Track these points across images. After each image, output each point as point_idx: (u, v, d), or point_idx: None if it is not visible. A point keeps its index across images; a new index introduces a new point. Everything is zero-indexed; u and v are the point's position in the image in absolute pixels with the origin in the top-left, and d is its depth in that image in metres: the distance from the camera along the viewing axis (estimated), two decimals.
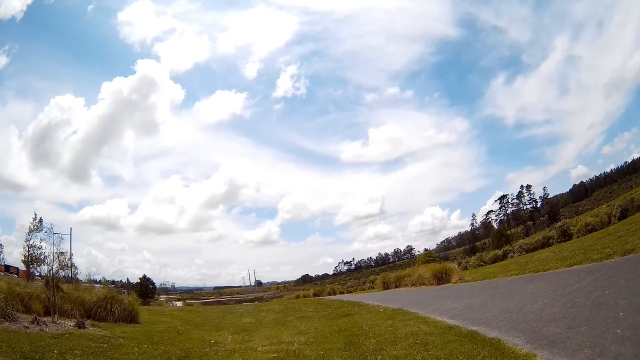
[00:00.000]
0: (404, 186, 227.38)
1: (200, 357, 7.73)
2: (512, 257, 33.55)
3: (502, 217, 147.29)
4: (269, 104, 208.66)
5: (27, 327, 9.02)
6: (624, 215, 28.20)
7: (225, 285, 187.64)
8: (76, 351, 7.27)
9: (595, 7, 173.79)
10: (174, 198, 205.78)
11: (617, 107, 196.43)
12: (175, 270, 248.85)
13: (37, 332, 8.68)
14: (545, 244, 32.64)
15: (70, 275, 15.07)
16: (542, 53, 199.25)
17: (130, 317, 12.53)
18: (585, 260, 12.26)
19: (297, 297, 40.74)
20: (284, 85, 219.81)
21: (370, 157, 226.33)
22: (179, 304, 62.81)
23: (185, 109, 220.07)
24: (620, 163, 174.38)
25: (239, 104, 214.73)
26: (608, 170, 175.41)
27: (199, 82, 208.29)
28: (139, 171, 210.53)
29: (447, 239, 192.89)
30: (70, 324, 10.18)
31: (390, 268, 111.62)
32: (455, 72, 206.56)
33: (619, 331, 5.12)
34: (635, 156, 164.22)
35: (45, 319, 10.14)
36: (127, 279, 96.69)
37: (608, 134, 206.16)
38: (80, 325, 9.97)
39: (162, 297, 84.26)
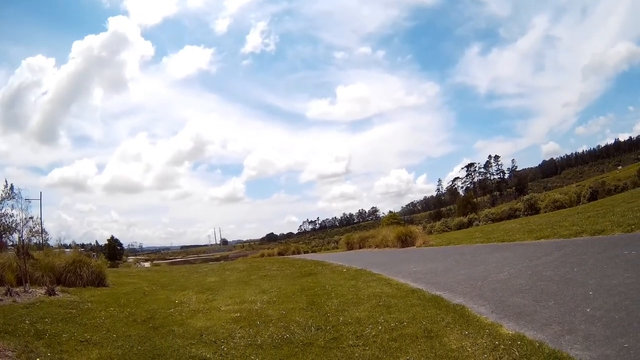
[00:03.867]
0: (371, 147, 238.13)
1: (164, 317, 7.87)
2: (477, 225, 34.39)
3: (468, 185, 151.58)
4: (237, 59, 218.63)
5: (1, 300, 9.05)
6: (594, 197, 29.13)
7: (191, 244, 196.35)
8: (46, 319, 7.36)
9: None
10: (141, 156, 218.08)
11: (594, 90, 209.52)
12: (142, 230, 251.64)
13: (9, 304, 8.72)
14: (511, 215, 33.54)
15: (41, 241, 14.72)
16: (520, 29, 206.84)
17: (99, 281, 12.72)
18: (553, 235, 12.54)
19: (262, 255, 41.08)
20: (253, 41, 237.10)
21: (337, 116, 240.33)
22: (147, 264, 64.05)
23: (153, 64, 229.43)
24: (593, 145, 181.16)
25: (206, 60, 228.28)
26: (580, 150, 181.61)
27: (167, 37, 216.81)
28: (108, 130, 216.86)
29: (412, 202, 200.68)
30: (41, 291, 10.26)
31: (354, 228, 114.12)
32: (429, 38, 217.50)
33: (588, 310, 5.20)
34: (610, 141, 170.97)
35: (17, 289, 10.14)
36: (96, 241, 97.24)
37: (583, 115, 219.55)
38: (50, 292, 10.03)
39: (131, 259, 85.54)
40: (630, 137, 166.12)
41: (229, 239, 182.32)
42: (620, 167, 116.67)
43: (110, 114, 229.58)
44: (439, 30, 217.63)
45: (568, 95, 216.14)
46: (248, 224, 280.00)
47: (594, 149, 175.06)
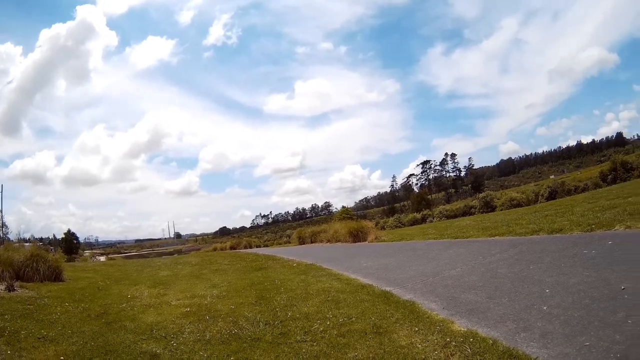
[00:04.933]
0: (328, 142, 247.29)
1: (117, 313, 7.99)
2: (431, 221, 35.25)
3: (423, 182, 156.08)
4: (199, 51, 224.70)
5: None
6: (552, 196, 30.20)
7: (146, 237, 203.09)
8: (6, 316, 7.40)
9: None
10: (99, 148, 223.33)
11: (560, 93, 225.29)
12: (99, 223, 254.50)
13: None
14: (466, 212, 34.46)
15: (2, 235, 14.35)
16: (487, 31, 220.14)
17: (56, 275, 12.68)
18: (508, 232, 12.92)
19: (214, 249, 42.39)
20: (216, 34, 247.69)
21: (296, 111, 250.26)
22: (102, 258, 64.43)
23: (116, 55, 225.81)
24: (555, 147, 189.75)
25: (168, 51, 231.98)
26: (540, 151, 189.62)
27: (132, 27, 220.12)
28: (69, 121, 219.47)
29: (366, 198, 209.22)
30: (1, 287, 10.16)
31: (307, 223, 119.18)
32: (393, 36, 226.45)
33: (545, 308, 5.30)
34: (572, 143, 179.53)
35: None
36: (54, 235, 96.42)
37: (545, 117, 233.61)
38: (10, 288, 9.96)
39: (87, 252, 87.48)
40: (594, 140, 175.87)
41: (183, 233, 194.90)
42: (580, 171, 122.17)
43: (72, 105, 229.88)
44: (404, 29, 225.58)
45: (532, 97, 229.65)
46: (202, 218, 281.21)
47: (554, 149, 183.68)
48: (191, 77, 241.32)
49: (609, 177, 30.88)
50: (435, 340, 4.85)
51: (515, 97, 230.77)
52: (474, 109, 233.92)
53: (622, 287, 5.33)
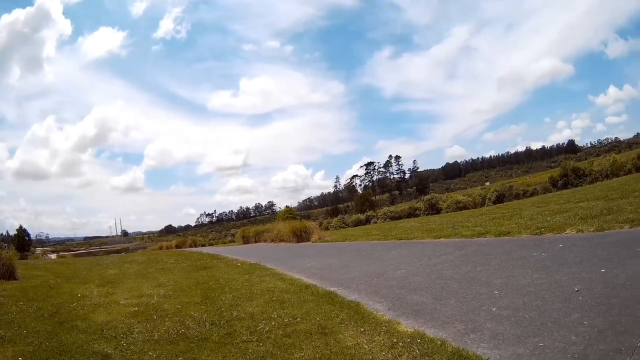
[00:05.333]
0: (270, 141, 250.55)
1: (68, 312, 8.00)
2: (375, 222, 35.64)
3: (367, 183, 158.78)
4: (148, 44, 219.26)
5: None
6: (499, 200, 30.90)
7: (94, 235, 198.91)
8: None
9: (510, 11, 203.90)
10: (48, 140, 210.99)
11: (509, 101, 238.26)
12: (49, 219, 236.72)
13: None
14: (411, 214, 34.91)
15: None
16: (437, 37, 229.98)
17: (9, 273, 12.91)
18: (454, 234, 13.11)
19: (160, 248, 43.98)
20: (166, 27, 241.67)
21: (239, 109, 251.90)
22: (53, 256, 64.63)
23: (69, 45, 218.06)
24: (502, 152, 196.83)
25: (118, 43, 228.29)
26: (487, 155, 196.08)
27: (87, 16, 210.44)
28: (21, 112, 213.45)
29: (309, 198, 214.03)
30: None
31: (251, 222, 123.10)
32: (341, 38, 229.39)
33: (494, 309, 5.29)
34: (521, 149, 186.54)
35: None
36: (7, 231, 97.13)
37: (493, 123, 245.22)
38: None
39: (38, 250, 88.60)
40: (544, 146, 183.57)
41: (130, 231, 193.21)
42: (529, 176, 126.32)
43: (24, 95, 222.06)
44: (352, 31, 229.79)
45: (479, 104, 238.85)
46: (148, 216, 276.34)
47: (502, 154, 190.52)
48: (139, 70, 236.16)
49: (560, 182, 31.70)
50: (382, 341, 4.82)
51: (462, 103, 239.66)
52: (418, 113, 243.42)
53: (576, 289, 5.39)
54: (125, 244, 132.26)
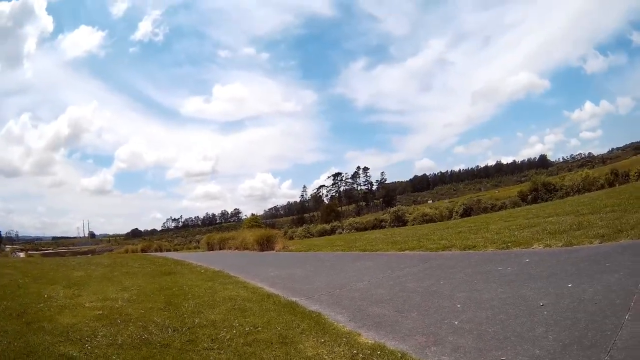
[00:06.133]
0: (241, 149, 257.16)
1: (35, 312, 8.11)
2: (340, 233, 35.73)
3: (334, 194, 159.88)
4: (126, 46, 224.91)
5: None
6: (467, 213, 31.34)
7: (62, 235, 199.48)
8: None
9: (488, 24, 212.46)
10: (23, 138, 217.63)
11: (482, 115, 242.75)
12: (20, 217, 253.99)
13: None
14: (377, 225, 35.18)
15: None
16: (413, 49, 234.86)
17: None
18: (419, 247, 13.27)
19: (126, 251, 45.92)
20: (144, 29, 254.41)
21: (212, 115, 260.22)
22: (22, 254, 67.53)
23: (49, 42, 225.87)
24: (472, 165, 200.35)
25: (97, 43, 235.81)
26: (457, 169, 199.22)
27: (68, 14, 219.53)
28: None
29: (275, 206, 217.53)
30: None
31: (216, 229, 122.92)
32: (316, 47, 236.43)
33: (456, 323, 5.36)
34: (491, 163, 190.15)
35: None
36: None
37: (465, 136, 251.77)
38: None
39: (8, 248, 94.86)
40: (515, 161, 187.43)
41: (97, 232, 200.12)
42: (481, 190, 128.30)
43: (2, 90, 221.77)
44: (328, 41, 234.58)
45: (452, 117, 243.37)
46: (115, 218, 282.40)
47: (472, 168, 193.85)
48: (115, 72, 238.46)
49: (529, 196, 32.37)
50: (342, 352, 4.86)
51: (435, 116, 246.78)
52: (390, 125, 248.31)
53: (541, 304, 5.48)
54: (92, 245, 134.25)
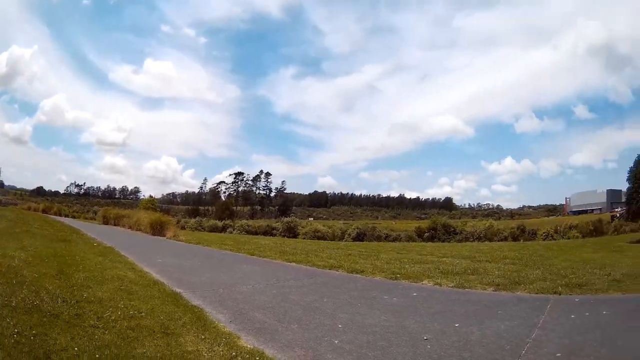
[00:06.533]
0: (155, 127, 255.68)
1: None
2: (231, 232, 35.65)
3: (232, 192, 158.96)
4: None
5: None
6: (359, 238, 31.97)
7: None
8: None
9: (430, 63, 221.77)
10: None
11: (397, 147, 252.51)
12: None
13: None
14: (268, 232, 35.38)
15: None
16: (346, 70, 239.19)
17: None
18: (306, 262, 13.46)
19: (29, 208, 46.82)
20: None
21: (136, 87, 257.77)
22: None
23: None
24: (374, 193, 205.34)
25: None
26: (358, 193, 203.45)
27: None
28: None
29: (173, 193, 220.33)
30: None
31: (114, 203, 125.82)
32: (255, 45, 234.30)
33: (336, 342, 5.39)
34: (394, 194, 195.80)
35: None
36: None
37: (374, 163, 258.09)
38: None
39: None
40: (418, 197, 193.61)
41: (7, 183, 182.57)
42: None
43: None
44: (268, 42, 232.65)
45: (366, 142, 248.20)
46: (26, 172, 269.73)
47: (373, 195, 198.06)
48: (62, 21, 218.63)
49: (426, 234, 33.47)
50: (222, 352, 4.79)
51: (350, 137, 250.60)
52: (304, 137, 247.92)
53: (425, 338, 5.59)
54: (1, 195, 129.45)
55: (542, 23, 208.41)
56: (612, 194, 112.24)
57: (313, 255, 15.41)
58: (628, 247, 20.07)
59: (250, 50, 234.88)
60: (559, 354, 5.13)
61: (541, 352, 5.24)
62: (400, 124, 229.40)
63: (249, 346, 5.09)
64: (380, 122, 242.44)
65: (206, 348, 4.88)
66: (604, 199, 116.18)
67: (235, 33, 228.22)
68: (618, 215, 58.13)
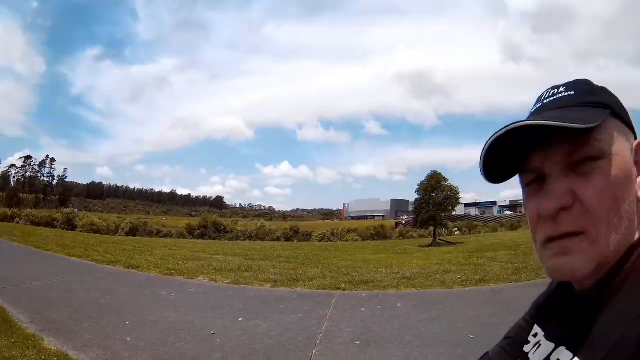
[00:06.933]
0: None
1: None
2: (18, 222, 31.22)
3: (20, 178, 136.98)
4: None
5: None
6: (132, 232, 30.43)
7: None
8: None
9: (224, 63, 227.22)
10: None
11: (175, 141, 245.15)
12: None
13: None
14: (49, 223, 31.97)
15: None
16: (145, 59, 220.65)
17: None
18: (86, 256, 12.62)
19: None
20: None
21: None
22: None
23: None
24: (148, 187, 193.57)
25: None
26: (132, 186, 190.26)
27: None
28: None
29: None
30: None
31: None
32: (72, 19, 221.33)
33: (129, 339, 5.10)
34: (166, 189, 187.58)
35: None
36: None
37: (150, 157, 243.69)
38: None
39: None
40: (190, 194, 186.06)
41: None
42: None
43: None
44: (86, 16, 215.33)
45: (146, 134, 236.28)
46: None
47: (147, 190, 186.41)
48: None
49: (197, 231, 32.62)
50: (32, 356, 4.25)
51: (130, 128, 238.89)
52: (90, 123, 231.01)
53: (212, 332, 5.45)
54: None
55: (360, 45, 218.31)
56: (397, 203, 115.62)
57: (91, 249, 14.45)
58: (417, 250, 20.83)
59: (69, 23, 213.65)
60: (357, 342, 5.11)
61: (338, 341, 5.18)
62: (182, 120, 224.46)
63: (53, 349, 4.58)
64: (163, 115, 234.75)
65: (19, 354, 4.30)
66: (387, 207, 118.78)
67: (61, 1, 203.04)
68: (404, 222, 59.68)
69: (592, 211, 0.62)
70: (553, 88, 0.74)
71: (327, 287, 8.69)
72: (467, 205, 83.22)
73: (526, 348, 0.82)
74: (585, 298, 0.69)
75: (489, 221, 64.42)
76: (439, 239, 27.37)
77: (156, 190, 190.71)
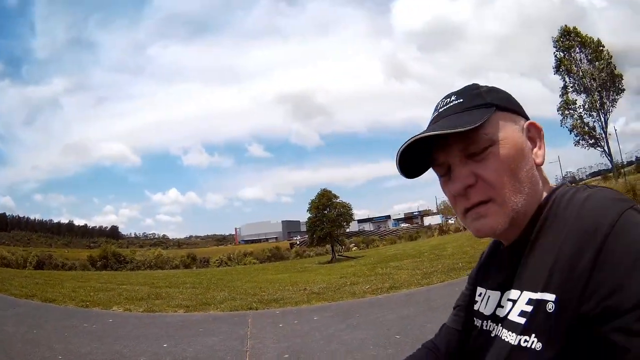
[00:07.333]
0: None
1: None
2: None
3: None
4: None
5: None
6: (40, 266, 28.36)
7: None
8: None
9: (111, 86, 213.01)
10: None
11: (67, 168, 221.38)
12: None
13: None
14: None
15: None
16: (38, 78, 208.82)
17: None
18: (4, 290, 11.92)
19: None
20: None
21: None
22: None
23: None
24: (47, 218, 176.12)
25: None
26: (32, 217, 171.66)
27: None
28: None
29: None
30: None
31: None
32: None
33: None
34: (64, 220, 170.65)
35: None
36: None
37: (47, 185, 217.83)
38: None
39: None
40: (86, 225, 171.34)
41: None
42: None
43: None
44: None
45: (39, 161, 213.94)
46: None
47: (45, 220, 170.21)
48: None
49: (99, 263, 31.00)
50: None
51: (27, 153, 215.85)
52: None
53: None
54: None
55: (239, 68, 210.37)
56: (289, 224, 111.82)
57: (7, 283, 13.57)
58: (318, 267, 20.78)
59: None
60: (286, 355, 5.06)
61: (267, 357, 5.13)
62: (72, 145, 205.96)
63: None
64: (55, 139, 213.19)
65: None
66: (279, 228, 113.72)
67: None
68: (298, 242, 58.98)
69: (493, 184, 0.73)
70: (446, 97, 0.83)
71: (239, 308, 8.67)
72: (360, 221, 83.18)
73: (476, 306, 0.91)
74: (514, 247, 0.78)
75: (385, 235, 64.30)
76: (338, 255, 27.28)
77: (55, 221, 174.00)
